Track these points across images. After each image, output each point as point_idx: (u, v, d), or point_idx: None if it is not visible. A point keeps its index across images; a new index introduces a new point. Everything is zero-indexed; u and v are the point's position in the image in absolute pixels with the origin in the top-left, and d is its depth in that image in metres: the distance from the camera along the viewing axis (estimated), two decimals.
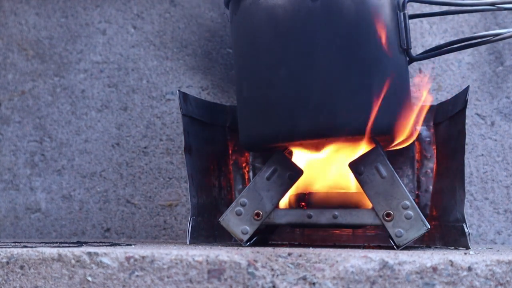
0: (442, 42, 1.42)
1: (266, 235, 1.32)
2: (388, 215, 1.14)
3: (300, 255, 0.96)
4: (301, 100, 1.13)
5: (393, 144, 1.25)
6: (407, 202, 1.14)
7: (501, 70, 1.45)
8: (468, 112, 1.39)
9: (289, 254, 0.96)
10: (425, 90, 1.31)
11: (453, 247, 1.22)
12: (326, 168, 1.28)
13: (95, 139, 1.55)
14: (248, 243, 1.20)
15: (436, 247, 1.26)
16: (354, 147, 1.22)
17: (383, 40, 1.15)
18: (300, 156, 1.25)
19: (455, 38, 1.41)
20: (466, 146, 1.35)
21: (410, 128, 1.20)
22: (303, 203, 1.23)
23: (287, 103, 1.14)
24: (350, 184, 1.24)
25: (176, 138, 1.52)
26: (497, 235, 1.42)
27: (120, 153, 1.53)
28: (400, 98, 1.17)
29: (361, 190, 1.17)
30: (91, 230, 1.53)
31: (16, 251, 1.01)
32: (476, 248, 1.22)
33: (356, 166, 1.17)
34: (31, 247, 1.05)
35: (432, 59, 1.44)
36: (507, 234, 1.42)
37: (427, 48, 1.35)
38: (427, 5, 1.40)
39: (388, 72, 1.15)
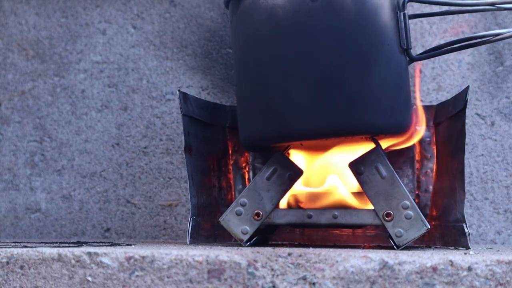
0: (442, 42, 1.42)
1: (266, 235, 1.32)
2: (388, 215, 1.14)
3: (300, 255, 0.96)
4: (301, 100, 1.13)
5: (394, 144, 1.25)
6: (407, 202, 1.14)
7: (501, 70, 1.45)
8: (468, 112, 1.39)
9: (289, 254, 0.96)
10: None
11: (453, 247, 1.22)
12: (326, 168, 1.28)
13: (95, 139, 1.55)
14: (248, 243, 1.20)
15: (436, 247, 1.26)
16: (354, 147, 1.22)
17: (383, 40, 1.15)
18: (300, 156, 1.25)
19: (455, 38, 1.41)
20: (466, 146, 1.35)
21: (411, 128, 1.20)
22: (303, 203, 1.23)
23: (287, 103, 1.14)
24: (350, 184, 1.24)
25: (176, 138, 1.52)
26: (497, 235, 1.42)
27: (120, 153, 1.53)
28: (400, 98, 1.17)
29: (361, 190, 1.17)
30: (91, 230, 1.53)
31: (16, 251, 1.01)
32: (476, 248, 1.22)
33: (356, 166, 1.17)
34: (31, 247, 1.05)
35: (432, 59, 1.44)
36: (507, 234, 1.42)
37: (427, 48, 1.35)
38: (427, 5, 1.40)
39: (388, 72, 1.15)
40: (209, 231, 1.32)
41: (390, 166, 1.16)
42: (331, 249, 1.05)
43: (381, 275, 0.95)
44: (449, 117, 1.28)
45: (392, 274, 0.94)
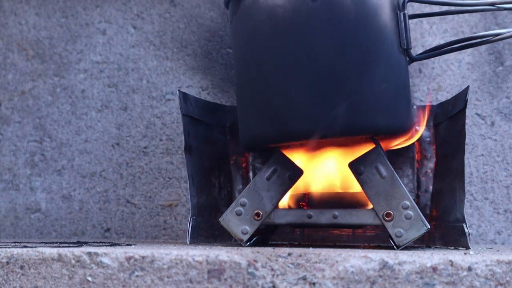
0: (442, 42, 1.42)
1: (266, 235, 1.32)
2: (388, 215, 1.14)
3: (300, 255, 0.96)
4: (301, 100, 1.13)
5: (394, 144, 1.25)
6: (407, 202, 1.14)
7: (501, 70, 1.45)
8: (468, 112, 1.39)
9: (289, 254, 0.96)
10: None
11: (453, 247, 1.22)
12: (326, 168, 1.27)
13: (95, 139, 1.55)
14: (248, 243, 1.20)
15: (436, 247, 1.26)
16: (354, 147, 1.22)
17: (383, 40, 1.15)
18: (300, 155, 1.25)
19: (455, 38, 1.41)
20: (466, 146, 1.35)
21: (411, 128, 1.20)
22: (303, 203, 1.23)
23: (287, 103, 1.14)
24: (350, 184, 1.24)
25: (176, 138, 1.52)
26: (497, 235, 1.42)
27: (120, 153, 1.53)
28: (400, 98, 1.17)
29: (361, 190, 1.17)
30: (91, 230, 1.53)
31: (16, 251, 1.01)
32: (476, 248, 1.22)
33: (356, 166, 1.17)
34: (31, 247, 1.05)
35: (432, 59, 1.44)
36: (507, 234, 1.42)
37: (427, 48, 1.35)
38: (427, 5, 1.40)
39: (388, 72, 1.15)
40: (209, 231, 1.32)
41: (390, 166, 1.16)
42: (331, 249, 1.05)
43: (381, 275, 0.95)
44: (449, 117, 1.28)
45: (392, 274, 0.94)
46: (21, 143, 1.57)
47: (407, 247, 1.17)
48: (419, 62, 1.41)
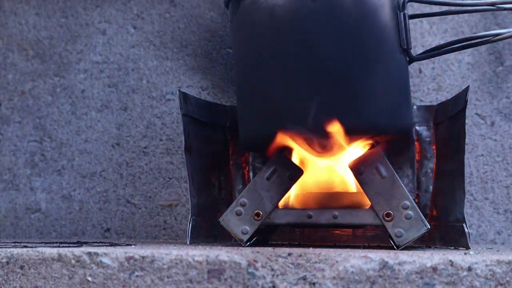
0: (442, 42, 1.42)
1: (266, 235, 1.32)
2: (388, 215, 1.14)
3: (300, 255, 0.96)
4: (301, 100, 1.13)
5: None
6: (407, 202, 1.14)
7: (501, 70, 1.45)
8: (468, 112, 1.39)
9: (289, 254, 0.96)
10: None
11: (453, 247, 1.22)
12: (326, 168, 1.28)
13: (95, 139, 1.55)
14: (248, 243, 1.20)
15: (436, 247, 1.26)
16: (354, 147, 1.22)
17: (383, 40, 1.15)
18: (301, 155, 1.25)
19: (455, 38, 1.41)
20: (466, 146, 1.35)
21: (411, 128, 1.20)
22: (303, 203, 1.23)
23: (287, 103, 1.14)
24: (350, 184, 1.24)
25: (176, 138, 1.52)
26: (497, 235, 1.42)
27: (120, 153, 1.53)
28: (400, 98, 1.17)
29: (361, 190, 1.17)
30: (91, 230, 1.53)
31: (16, 251, 1.01)
32: (476, 248, 1.22)
33: (356, 166, 1.17)
34: (31, 247, 1.05)
35: (432, 59, 1.44)
36: (507, 234, 1.42)
37: (427, 48, 1.35)
38: (427, 5, 1.40)
39: (388, 72, 1.15)
40: (209, 231, 1.32)
41: (390, 166, 1.16)
42: (331, 249, 1.05)
43: (381, 275, 0.95)
44: (449, 117, 1.28)
45: (392, 274, 0.94)
46: (21, 143, 1.57)
47: (407, 247, 1.17)
48: (419, 62, 1.41)
